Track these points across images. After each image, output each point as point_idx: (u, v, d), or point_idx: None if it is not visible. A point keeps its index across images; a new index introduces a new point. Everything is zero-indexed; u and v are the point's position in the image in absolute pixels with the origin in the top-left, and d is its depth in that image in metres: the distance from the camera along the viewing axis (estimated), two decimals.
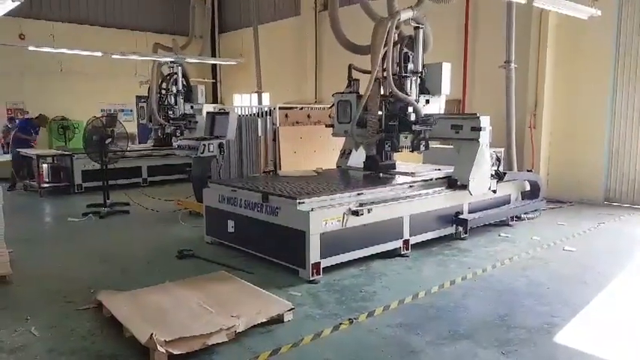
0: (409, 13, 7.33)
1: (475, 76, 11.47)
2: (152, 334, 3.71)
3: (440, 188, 7.09)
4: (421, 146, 7.38)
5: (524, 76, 10.17)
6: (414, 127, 7.25)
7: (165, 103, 11.82)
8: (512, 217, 8.16)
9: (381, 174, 7.57)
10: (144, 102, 12.80)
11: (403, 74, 7.39)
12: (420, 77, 7.53)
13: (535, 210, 8.60)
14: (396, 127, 7.29)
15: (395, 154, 7.87)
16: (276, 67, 16.74)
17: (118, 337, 4.15)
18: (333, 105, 8.23)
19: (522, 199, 8.47)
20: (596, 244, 7.19)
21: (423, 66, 7.56)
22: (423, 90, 7.63)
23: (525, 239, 7.32)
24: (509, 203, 8.15)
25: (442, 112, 7.95)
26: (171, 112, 11.76)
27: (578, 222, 8.40)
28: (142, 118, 13.08)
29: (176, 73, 11.83)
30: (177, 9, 18.88)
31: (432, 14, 8.89)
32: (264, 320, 4.31)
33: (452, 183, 7.13)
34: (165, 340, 3.72)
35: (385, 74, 7.13)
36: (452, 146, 7.70)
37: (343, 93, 8.07)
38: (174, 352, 3.71)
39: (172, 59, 12.07)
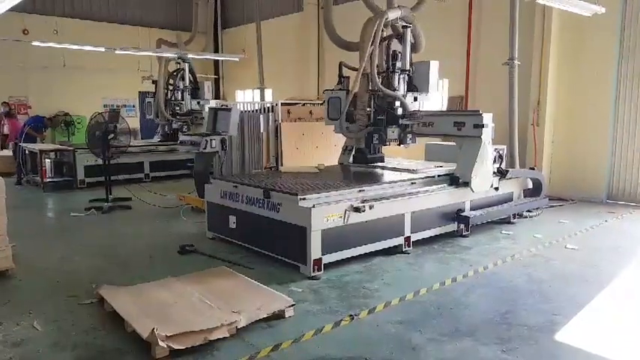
0: (397, 12, 7.47)
1: (478, 72, 11.45)
2: (153, 329, 3.73)
3: (442, 185, 7.08)
4: (408, 139, 7.58)
5: (527, 74, 10.14)
6: (401, 121, 7.46)
7: (172, 99, 11.88)
8: (514, 215, 8.15)
9: (383, 171, 7.61)
10: (151, 98, 12.90)
11: (391, 71, 7.56)
12: (408, 75, 7.67)
13: (537, 208, 8.59)
14: (383, 121, 7.50)
15: (400, 152, 7.96)
16: (278, 63, 16.72)
17: (119, 331, 4.17)
18: (323, 102, 8.37)
19: (524, 197, 8.45)
20: (599, 242, 7.18)
21: (411, 64, 7.70)
22: (412, 88, 7.77)
23: (527, 237, 7.31)
24: (512, 201, 8.13)
25: (429, 109, 8.08)
26: (178, 108, 11.82)
27: (581, 220, 8.38)
28: (149, 113, 13.18)
29: (183, 69, 11.88)
30: (180, 5, 18.89)
31: (435, 11, 8.91)
32: (266, 316, 4.32)
33: (454, 180, 7.12)
34: (166, 335, 3.74)
35: (371, 70, 7.29)
36: (454, 143, 7.69)
37: (333, 90, 8.26)
38: (176, 347, 3.73)
39: (175, 55, 12.11)
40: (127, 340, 4.03)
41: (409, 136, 7.56)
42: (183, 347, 3.76)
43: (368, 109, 7.64)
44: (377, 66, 7.50)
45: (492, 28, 10.91)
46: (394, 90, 7.49)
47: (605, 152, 9.86)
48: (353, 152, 8.36)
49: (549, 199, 8.87)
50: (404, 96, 7.56)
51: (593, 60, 9.80)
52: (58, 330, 4.26)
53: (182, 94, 11.85)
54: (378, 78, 7.56)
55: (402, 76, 7.61)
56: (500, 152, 7.84)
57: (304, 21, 16.06)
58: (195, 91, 12.00)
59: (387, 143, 7.67)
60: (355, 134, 7.79)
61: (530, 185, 8.49)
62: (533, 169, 9.39)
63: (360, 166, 8.07)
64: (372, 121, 7.64)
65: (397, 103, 7.43)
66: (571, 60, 10.07)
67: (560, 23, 10.02)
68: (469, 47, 11.45)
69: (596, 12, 8.40)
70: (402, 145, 7.68)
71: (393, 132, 7.54)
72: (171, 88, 12.05)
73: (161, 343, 3.67)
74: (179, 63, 12.04)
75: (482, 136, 6.91)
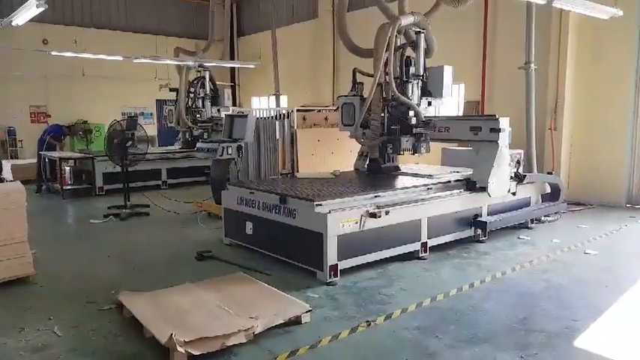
0: (410, 18, 7.52)
1: (494, 77, 11.38)
2: (172, 334, 3.76)
3: (458, 190, 7.04)
4: (422, 148, 7.55)
5: (544, 78, 10.05)
6: (415, 130, 7.44)
7: (193, 106, 12.06)
8: (532, 220, 8.07)
9: (399, 176, 7.62)
10: (171, 105, 13.09)
11: (405, 78, 7.55)
12: (421, 80, 7.67)
13: (555, 212, 8.50)
14: (397, 130, 7.48)
15: (415, 157, 7.96)
16: (293, 70, 16.80)
17: (138, 337, 4.21)
18: (337, 108, 8.38)
19: (542, 202, 8.37)
20: (618, 247, 7.08)
21: (425, 69, 7.70)
22: (425, 93, 7.77)
23: (545, 242, 7.23)
24: (529, 206, 8.06)
25: (445, 114, 8.04)
26: (198, 115, 11.99)
27: (600, 225, 8.27)
28: (170, 121, 13.39)
29: (203, 77, 12.05)
30: (196, 13, 19.08)
31: (450, 15, 8.89)
32: (282, 322, 4.33)
33: (471, 185, 7.09)
34: (184, 341, 3.77)
35: (387, 78, 7.29)
36: (471, 148, 7.66)
37: (347, 96, 8.27)
38: (194, 353, 3.76)
39: (193, 63, 12.25)
40: (145, 346, 4.07)
41: (423, 145, 7.54)
42: (201, 353, 3.79)
43: (382, 115, 7.65)
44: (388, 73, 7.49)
45: (508, 32, 10.85)
46: (409, 98, 7.47)
47: (624, 155, 9.72)
48: (368, 160, 8.34)
49: (568, 204, 8.78)
50: (418, 104, 7.54)
51: (612, 63, 9.69)
52: (77, 335, 4.32)
53: (202, 101, 12.04)
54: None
55: (415, 81, 7.62)
56: (518, 157, 7.79)
57: (319, 28, 16.12)
58: (216, 99, 12.18)
59: (401, 152, 7.68)
60: (369, 142, 7.80)
61: (548, 190, 8.40)
62: (550, 173, 9.29)
63: (377, 172, 8.04)
64: (385, 131, 7.63)
65: (411, 113, 7.41)
66: (589, 63, 9.96)
67: (577, 26, 9.92)
68: (485, 51, 11.39)
69: (614, 15, 8.31)
70: (415, 154, 7.67)
71: (407, 141, 7.52)
72: (191, 95, 12.22)
73: (179, 349, 3.70)
74: (199, 71, 12.21)
75: (499, 141, 6.87)
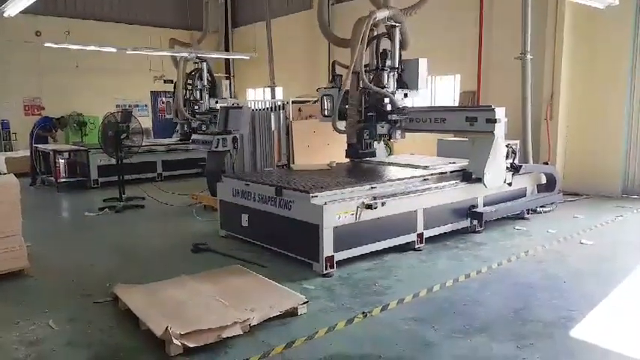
0: (385, 12, 7.70)
1: (490, 67, 11.34)
2: (167, 327, 3.75)
3: (454, 181, 7.03)
4: (397, 134, 7.85)
5: (540, 68, 10.01)
6: (389, 117, 7.69)
7: (191, 98, 12.01)
8: (528, 210, 8.08)
9: (395, 167, 7.62)
10: (170, 97, 13.04)
11: (380, 67, 7.79)
12: (397, 72, 7.91)
13: (551, 203, 8.51)
14: (373, 117, 7.73)
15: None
16: (289, 61, 16.71)
17: (134, 330, 4.20)
18: (317, 100, 8.51)
19: (538, 192, 8.37)
20: (614, 237, 7.09)
21: (401, 61, 7.94)
22: (402, 85, 8.02)
23: (541, 232, 7.24)
24: (525, 196, 8.06)
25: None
26: (196, 107, 11.95)
27: (596, 215, 8.28)
28: (167, 112, 13.37)
29: (201, 69, 11.99)
30: (190, 4, 18.94)
31: (445, 6, 8.84)
32: (279, 313, 4.32)
33: (466, 176, 7.07)
34: (180, 333, 3.76)
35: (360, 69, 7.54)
36: (466, 139, 7.64)
37: (326, 88, 8.54)
38: (190, 345, 3.75)
39: (187, 54, 12.18)
40: (141, 338, 4.06)
41: (398, 131, 7.83)
42: (196, 345, 3.78)
43: (359, 108, 7.83)
44: (367, 64, 7.83)
45: (504, 22, 10.79)
46: (384, 87, 7.72)
47: (619, 145, 9.73)
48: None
49: (563, 194, 8.78)
50: (393, 93, 7.77)
51: (608, 53, 9.66)
52: (73, 329, 4.31)
53: (200, 93, 12.00)
54: (369, 76, 7.81)
55: (391, 73, 7.86)
56: (514, 147, 7.77)
57: (314, 18, 15.98)
58: (214, 90, 12.14)
59: (377, 138, 7.93)
60: (347, 130, 7.99)
61: (544, 180, 8.40)
62: (546, 163, 9.29)
63: (371, 163, 8.08)
64: (363, 118, 7.86)
65: (386, 100, 7.64)
66: (585, 53, 9.94)
67: (573, 16, 9.89)
68: (481, 41, 11.34)
69: (610, 4, 8.29)
70: (391, 140, 8.01)
71: (382, 127, 7.76)
72: (189, 87, 12.18)
73: (175, 341, 3.70)
74: (197, 63, 12.16)
75: (494, 131, 6.84)
